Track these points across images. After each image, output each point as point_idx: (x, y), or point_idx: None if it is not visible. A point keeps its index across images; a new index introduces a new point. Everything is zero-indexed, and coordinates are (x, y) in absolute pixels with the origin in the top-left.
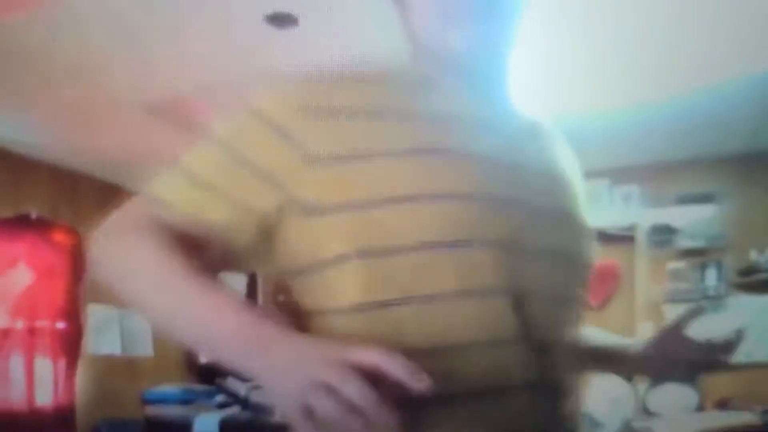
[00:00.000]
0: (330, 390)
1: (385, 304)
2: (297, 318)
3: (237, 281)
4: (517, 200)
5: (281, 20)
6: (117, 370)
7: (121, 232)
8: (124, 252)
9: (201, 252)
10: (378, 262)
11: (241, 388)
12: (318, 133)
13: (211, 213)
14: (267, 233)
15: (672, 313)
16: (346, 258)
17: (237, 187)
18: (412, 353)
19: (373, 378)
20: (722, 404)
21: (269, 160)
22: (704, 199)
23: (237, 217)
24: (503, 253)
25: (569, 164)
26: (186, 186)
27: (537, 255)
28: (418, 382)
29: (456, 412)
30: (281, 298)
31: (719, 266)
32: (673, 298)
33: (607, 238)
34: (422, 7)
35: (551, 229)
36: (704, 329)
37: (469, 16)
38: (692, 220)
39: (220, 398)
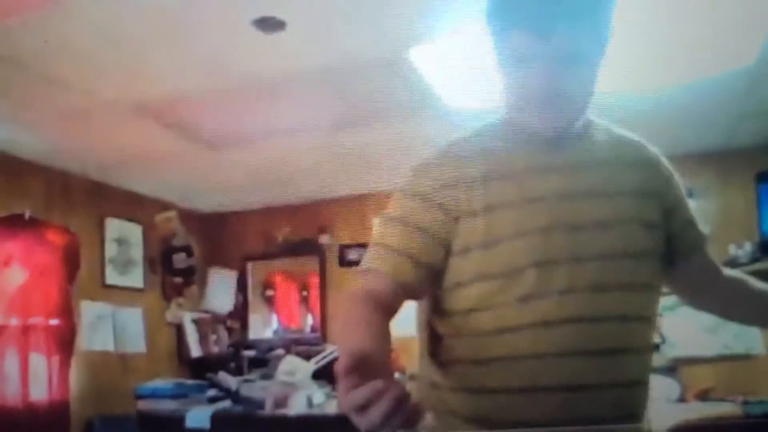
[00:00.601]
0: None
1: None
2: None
3: (229, 276)
4: (575, 224)
5: (269, 25)
6: (110, 366)
7: (347, 302)
8: (345, 313)
9: (390, 305)
10: (492, 281)
11: (232, 383)
12: (455, 196)
13: (403, 273)
14: (434, 275)
15: None
16: (473, 281)
17: (417, 249)
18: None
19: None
20: (703, 395)
21: (432, 225)
22: None
23: (420, 271)
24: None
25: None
26: (386, 256)
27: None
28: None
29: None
30: (269, 293)
31: None
32: None
33: None
34: (510, 97)
35: (604, 237)
36: (684, 323)
37: (545, 107)
38: None
39: (211, 392)
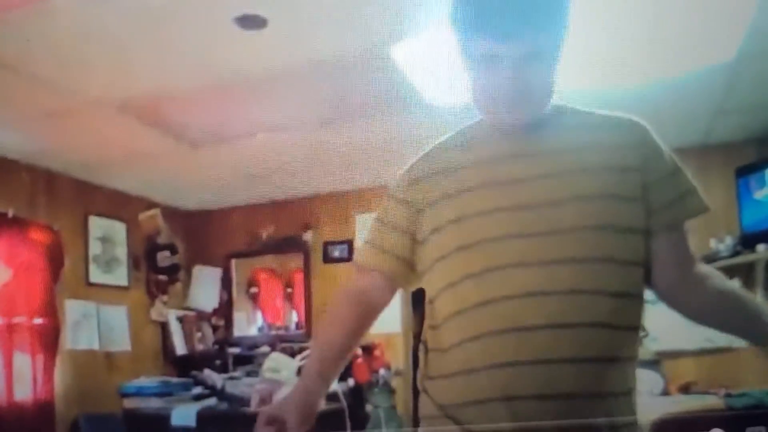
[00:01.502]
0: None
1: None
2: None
3: (213, 274)
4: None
5: (250, 22)
6: (95, 365)
7: (336, 299)
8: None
9: (374, 300)
10: (466, 252)
11: (217, 380)
12: (422, 192)
13: (384, 264)
14: (411, 266)
15: None
16: (449, 254)
17: (393, 244)
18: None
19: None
20: (686, 388)
21: (404, 223)
22: None
23: (399, 264)
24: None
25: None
26: (370, 251)
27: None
28: None
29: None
30: (253, 290)
31: None
32: None
33: None
34: (479, 97)
35: (563, 214)
36: (666, 316)
37: (512, 104)
38: None
39: (196, 390)
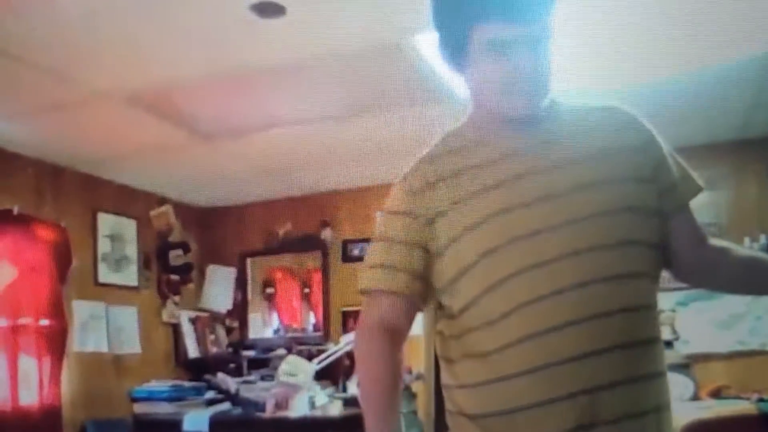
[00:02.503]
0: None
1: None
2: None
3: (227, 273)
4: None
5: (268, 9)
6: (104, 368)
7: (362, 337)
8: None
9: (403, 325)
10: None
11: (231, 384)
12: (427, 202)
13: (401, 285)
14: (428, 282)
15: (665, 301)
16: (474, 263)
17: (407, 262)
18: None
19: None
20: (717, 393)
21: (414, 236)
22: None
23: (417, 282)
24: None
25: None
26: (382, 274)
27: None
28: None
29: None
30: (269, 290)
31: None
32: (667, 286)
33: None
34: (484, 87)
35: (587, 201)
36: (697, 319)
37: (518, 89)
38: None
39: (209, 394)
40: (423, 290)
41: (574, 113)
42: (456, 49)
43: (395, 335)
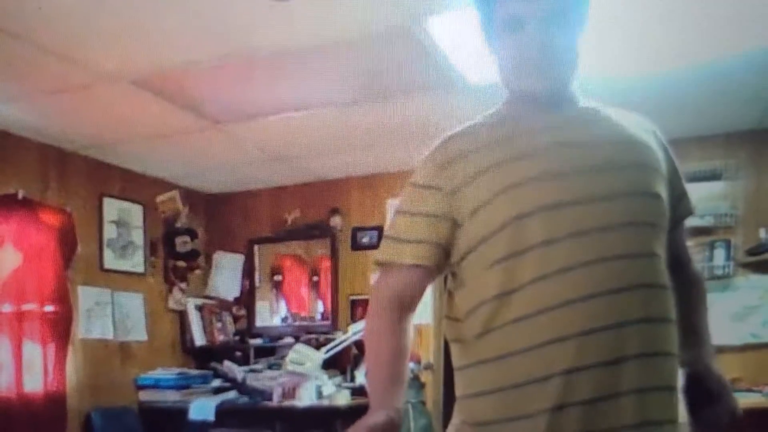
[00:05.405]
0: None
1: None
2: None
3: (235, 260)
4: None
5: None
6: (109, 355)
7: (376, 314)
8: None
9: (414, 297)
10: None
11: (237, 372)
12: (452, 174)
13: (418, 256)
14: (447, 253)
15: None
16: (494, 232)
17: (429, 232)
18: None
19: None
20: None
21: (439, 208)
22: (712, 176)
23: (435, 252)
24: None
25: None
26: (399, 245)
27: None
28: None
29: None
30: (277, 278)
31: (727, 245)
32: None
33: None
34: (505, 67)
35: (610, 180)
36: (713, 310)
37: (541, 65)
38: (700, 198)
39: (216, 383)
40: (443, 261)
41: (601, 108)
42: (485, 28)
43: (407, 310)
